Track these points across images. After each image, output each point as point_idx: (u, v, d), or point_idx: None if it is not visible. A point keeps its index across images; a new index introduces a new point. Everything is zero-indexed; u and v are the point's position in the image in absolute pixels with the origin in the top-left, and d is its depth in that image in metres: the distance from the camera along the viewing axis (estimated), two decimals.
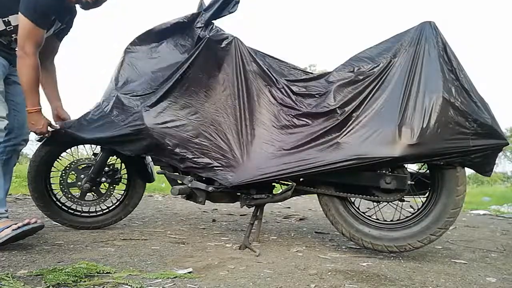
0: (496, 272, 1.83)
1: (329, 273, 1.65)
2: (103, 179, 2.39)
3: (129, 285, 1.37)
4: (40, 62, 1.96)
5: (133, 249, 1.94)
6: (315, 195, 2.15)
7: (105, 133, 2.14)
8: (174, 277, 1.49)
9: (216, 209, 3.69)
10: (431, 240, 1.94)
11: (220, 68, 2.10)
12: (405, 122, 1.79)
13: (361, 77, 1.99)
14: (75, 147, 2.41)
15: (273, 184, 2.20)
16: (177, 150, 2.07)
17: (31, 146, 2.56)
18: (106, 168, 2.39)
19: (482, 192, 8.05)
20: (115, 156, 2.43)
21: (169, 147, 2.07)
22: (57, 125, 2.22)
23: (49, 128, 2.14)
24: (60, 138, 2.24)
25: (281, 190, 2.17)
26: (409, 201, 2.12)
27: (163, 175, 2.31)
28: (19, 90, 2.05)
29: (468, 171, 1.93)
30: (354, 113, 1.93)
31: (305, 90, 2.12)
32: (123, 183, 2.51)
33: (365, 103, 1.92)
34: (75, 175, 2.35)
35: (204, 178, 2.16)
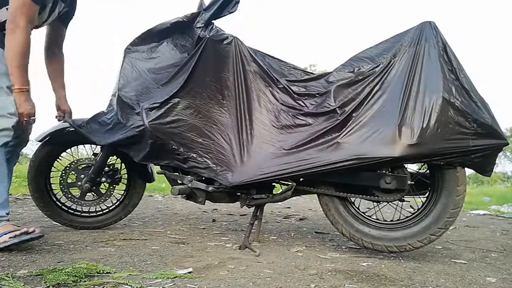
0: (496, 272, 1.83)
1: (329, 273, 1.65)
2: (103, 179, 2.38)
3: (129, 285, 1.37)
4: (48, 48, 1.91)
5: (133, 249, 1.94)
6: (315, 195, 2.15)
7: (115, 136, 2.15)
8: (174, 277, 1.49)
9: (216, 209, 3.69)
10: (431, 240, 1.94)
11: (220, 68, 2.10)
12: (405, 122, 1.79)
13: (361, 77, 1.99)
14: (75, 147, 2.41)
15: (273, 184, 2.20)
16: (181, 150, 2.07)
17: (31, 146, 2.56)
18: (106, 168, 2.39)
19: (482, 192, 8.05)
20: (115, 156, 2.43)
21: (173, 147, 2.07)
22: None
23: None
24: (62, 138, 2.24)
25: (281, 190, 2.17)
26: (409, 201, 2.12)
27: (163, 175, 2.31)
28: None
29: (468, 171, 1.93)
30: (354, 113, 1.93)
31: (305, 90, 2.12)
32: (123, 183, 2.51)
33: (365, 103, 1.92)
34: (75, 175, 2.35)
35: (204, 178, 2.16)
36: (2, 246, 1.76)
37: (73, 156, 2.40)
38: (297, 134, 2.01)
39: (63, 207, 2.38)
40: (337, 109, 1.96)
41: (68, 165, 2.34)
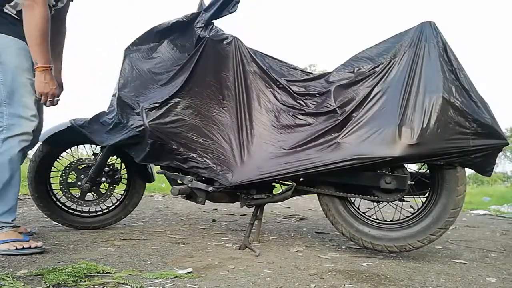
0: (496, 272, 1.83)
1: (329, 273, 1.65)
2: (103, 179, 2.39)
3: (129, 285, 1.37)
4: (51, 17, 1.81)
5: (133, 249, 1.94)
6: (315, 195, 2.15)
7: (115, 136, 2.15)
8: (174, 277, 1.49)
9: (216, 209, 3.69)
10: (431, 240, 1.94)
11: (220, 68, 2.10)
12: (405, 122, 1.79)
13: (361, 77, 1.99)
14: (75, 147, 2.41)
15: (273, 184, 2.20)
16: (181, 150, 2.08)
17: None
18: (106, 168, 2.39)
19: (482, 192, 8.05)
20: (115, 156, 2.43)
21: (173, 147, 2.07)
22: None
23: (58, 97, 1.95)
24: (62, 138, 2.24)
25: (281, 190, 2.17)
26: (409, 201, 2.12)
27: (163, 175, 2.31)
28: None
29: (468, 171, 1.93)
30: (354, 113, 1.93)
31: (305, 90, 2.12)
32: (123, 183, 2.51)
33: (365, 103, 1.92)
34: (75, 175, 2.35)
35: (204, 178, 2.16)
36: (4, 254, 1.72)
37: (73, 156, 2.40)
38: (297, 134, 2.01)
39: (63, 207, 2.38)
40: (337, 109, 1.96)
41: (68, 165, 2.34)
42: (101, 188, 2.43)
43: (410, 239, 1.95)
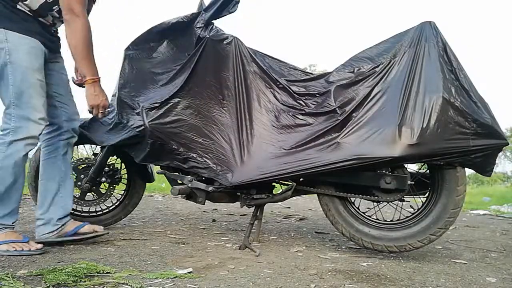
0: (496, 272, 1.83)
1: (329, 273, 1.65)
2: (103, 179, 2.39)
3: (129, 285, 1.37)
4: None
5: (133, 249, 1.94)
6: (315, 195, 2.15)
7: (115, 136, 2.15)
8: (174, 277, 1.49)
9: (216, 209, 3.69)
10: (431, 240, 1.94)
11: (220, 68, 2.10)
12: (405, 122, 1.79)
13: (361, 77, 1.99)
14: (75, 147, 2.40)
15: (273, 184, 2.20)
16: (181, 150, 2.08)
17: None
18: (106, 168, 2.39)
19: (482, 192, 8.05)
20: (115, 156, 2.43)
21: (173, 147, 2.07)
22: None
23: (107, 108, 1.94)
24: None
25: (281, 190, 2.17)
26: (409, 201, 2.12)
27: (163, 175, 2.31)
28: (61, 80, 1.94)
29: (468, 171, 1.93)
30: (354, 113, 1.93)
31: (305, 90, 2.12)
32: (123, 183, 2.51)
33: (365, 103, 1.92)
34: (75, 175, 2.35)
35: (204, 178, 2.16)
36: (4, 254, 1.72)
37: (73, 156, 2.40)
38: (297, 134, 2.01)
39: None
40: (337, 109, 1.96)
41: None
42: (101, 188, 2.43)
43: (410, 239, 1.95)
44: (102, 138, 2.20)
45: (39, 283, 1.36)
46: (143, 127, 2.04)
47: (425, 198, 2.07)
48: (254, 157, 2.02)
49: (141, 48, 2.25)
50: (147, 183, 2.57)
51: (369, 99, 1.92)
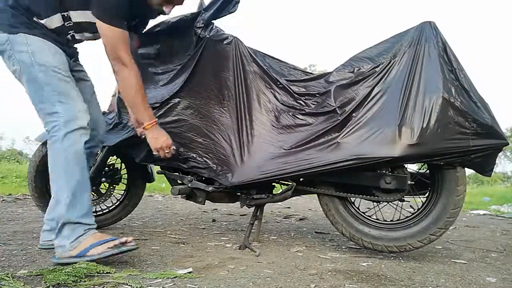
0: (496, 272, 1.83)
1: (329, 273, 1.65)
2: (103, 179, 2.39)
3: (129, 285, 1.37)
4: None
5: None
6: (315, 195, 2.15)
7: (116, 137, 2.15)
8: (174, 277, 1.49)
9: (216, 209, 3.69)
10: (431, 240, 1.94)
11: (220, 68, 2.10)
12: (405, 122, 1.79)
13: (361, 77, 1.99)
14: None
15: (273, 184, 2.20)
16: (181, 150, 2.08)
17: (31, 146, 2.56)
18: (106, 168, 2.39)
19: (482, 192, 8.04)
20: (115, 156, 2.43)
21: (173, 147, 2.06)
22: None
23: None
24: None
25: (281, 190, 2.17)
26: (409, 201, 2.12)
27: (163, 175, 2.31)
28: (86, 87, 1.89)
29: (468, 171, 1.93)
30: (354, 113, 1.93)
31: (305, 90, 2.12)
32: (123, 183, 2.51)
33: (365, 103, 1.92)
34: None
35: (204, 178, 2.16)
36: (101, 257, 1.59)
37: None
38: (297, 134, 2.01)
39: None
40: (337, 109, 1.96)
41: None
42: (101, 188, 2.44)
43: (410, 239, 1.95)
44: (102, 138, 2.20)
45: (39, 283, 1.36)
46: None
47: (425, 198, 2.07)
48: (254, 157, 2.02)
49: (141, 48, 2.25)
50: (147, 183, 2.57)
51: (369, 99, 1.92)
